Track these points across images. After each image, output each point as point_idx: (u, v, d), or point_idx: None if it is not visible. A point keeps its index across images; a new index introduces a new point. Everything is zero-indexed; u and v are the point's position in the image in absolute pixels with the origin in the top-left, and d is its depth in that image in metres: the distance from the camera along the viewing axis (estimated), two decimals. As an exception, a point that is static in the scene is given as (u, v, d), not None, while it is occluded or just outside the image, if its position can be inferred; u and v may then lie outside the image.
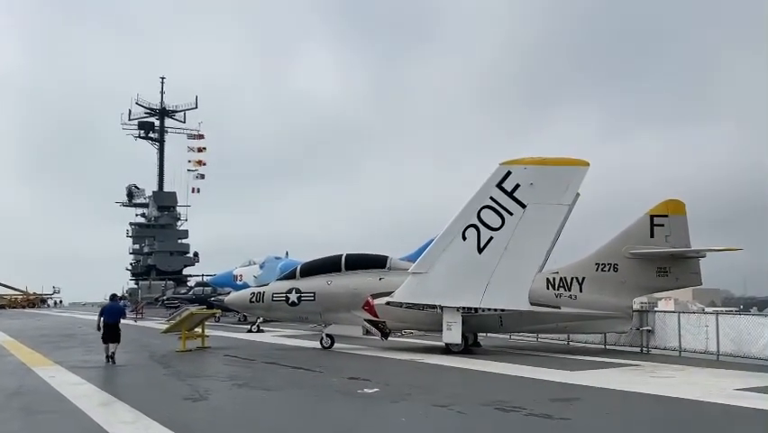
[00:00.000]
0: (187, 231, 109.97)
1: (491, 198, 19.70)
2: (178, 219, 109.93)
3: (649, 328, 21.57)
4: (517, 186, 19.54)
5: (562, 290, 21.46)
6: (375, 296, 21.83)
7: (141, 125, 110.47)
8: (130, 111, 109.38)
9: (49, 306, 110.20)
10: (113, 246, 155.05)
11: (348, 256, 23.62)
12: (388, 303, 21.21)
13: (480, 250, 19.72)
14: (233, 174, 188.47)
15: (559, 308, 21.13)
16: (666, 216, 21.75)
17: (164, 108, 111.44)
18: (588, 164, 19.68)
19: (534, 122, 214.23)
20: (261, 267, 46.60)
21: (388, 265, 23.15)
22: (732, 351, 18.78)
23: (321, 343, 22.92)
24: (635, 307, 23.02)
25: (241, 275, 48.27)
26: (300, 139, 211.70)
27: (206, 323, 25.89)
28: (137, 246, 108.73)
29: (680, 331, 20.35)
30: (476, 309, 20.30)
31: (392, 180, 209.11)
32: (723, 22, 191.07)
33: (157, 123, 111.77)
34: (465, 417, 10.52)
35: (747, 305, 64.26)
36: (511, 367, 16.86)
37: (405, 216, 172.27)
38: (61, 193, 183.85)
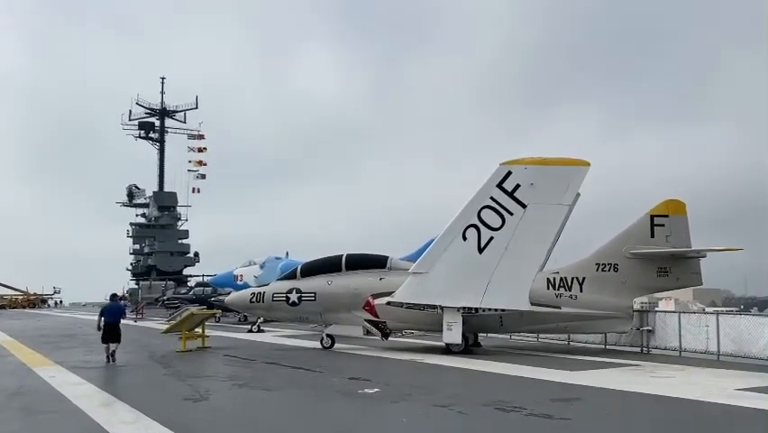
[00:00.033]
0: (187, 231, 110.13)
1: (492, 198, 19.70)
2: (179, 219, 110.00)
3: (649, 328, 21.57)
4: (518, 186, 19.54)
5: (562, 290, 21.46)
6: (375, 296, 21.83)
7: (142, 126, 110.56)
8: (130, 111, 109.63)
9: (49, 306, 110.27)
10: (113, 246, 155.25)
11: (348, 256, 23.62)
12: (388, 303, 21.20)
13: (481, 250, 19.71)
14: (233, 174, 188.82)
15: (559, 308, 21.13)
16: (667, 216, 21.75)
17: (164, 108, 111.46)
18: (588, 164, 19.68)
19: (534, 122, 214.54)
20: (262, 267, 46.62)
21: (388, 265, 23.15)
22: (732, 351, 18.77)
23: (321, 343, 22.92)
24: (636, 307, 23.00)
25: (241, 275, 48.28)
26: (300, 139, 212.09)
27: (207, 323, 25.91)
28: (137, 246, 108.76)
29: (680, 331, 20.34)
30: (476, 309, 20.30)
31: (392, 180, 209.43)
32: (723, 22, 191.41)
33: (157, 123, 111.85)
34: (466, 417, 10.52)
35: (748, 305, 64.32)
36: (511, 367, 16.86)
37: (405, 216, 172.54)
38: (61, 193, 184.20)
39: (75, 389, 13.68)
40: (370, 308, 21.78)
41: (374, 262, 23.37)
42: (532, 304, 19.92)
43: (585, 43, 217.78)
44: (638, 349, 21.67)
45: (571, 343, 23.91)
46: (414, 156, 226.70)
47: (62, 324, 46.05)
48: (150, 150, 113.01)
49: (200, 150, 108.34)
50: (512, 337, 25.82)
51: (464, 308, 20.29)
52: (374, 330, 22.41)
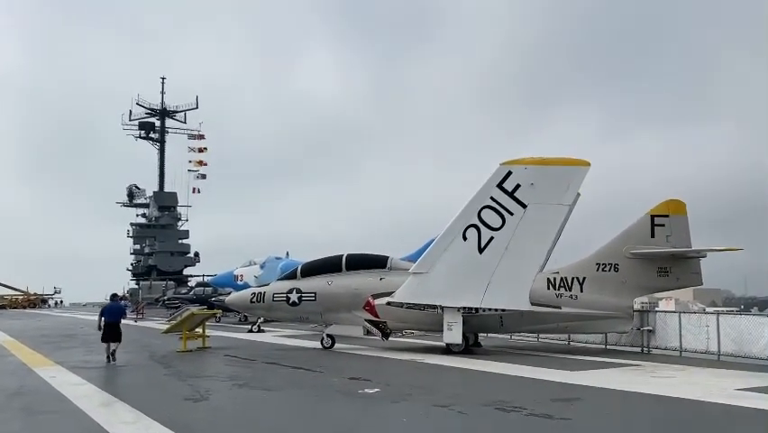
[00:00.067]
0: (187, 231, 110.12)
1: (492, 198, 19.70)
2: (179, 219, 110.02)
3: (650, 328, 21.57)
4: (518, 186, 19.54)
5: (562, 290, 21.46)
6: (376, 296, 21.83)
7: (142, 126, 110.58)
8: (130, 111, 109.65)
9: (49, 306, 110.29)
10: (113, 246, 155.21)
11: (349, 256, 23.62)
12: (388, 303, 21.20)
13: (481, 250, 19.71)
14: (233, 174, 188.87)
15: (560, 308, 21.12)
16: (667, 216, 21.75)
17: (165, 109, 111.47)
18: (588, 164, 19.67)
19: (534, 122, 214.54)
20: (262, 267, 46.65)
21: (388, 265, 23.15)
22: (733, 351, 18.77)
23: (322, 343, 22.92)
24: (636, 307, 22.99)
25: (241, 275, 48.30)
26: (300, 139, 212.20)
27: (207, 323, 25.90)
28: (138, 246, 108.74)
29: (680, 331, 20.35)
30: (477, 309, 20.30)
31: (392, 180, 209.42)
32: (723, 22, 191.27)
33: (157, 123, 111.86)
34: (466, 417, 10.52)
35: (748, 305, 64.26)
36: (512, 367, 16.86)
37: (405, 216, 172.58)
38: (61, 193, 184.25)
39: (75, 389, 13.68)
40: (370, 308, 21.78)
41: (374, 263, 23.37)
42: (532, 304, 19.91)
43: (585, 43, 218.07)
44: (639, 349, 21.67)
45: (572, 343, 23.91)
46: (414, 156, 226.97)
47: (62, 324, 46.05)
48: (151, 150, 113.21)
49: (200, 150, 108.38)
50: (512, 337, 25.82)
51: (464, 308, 20.29)
52: (374, 330, 22.41)
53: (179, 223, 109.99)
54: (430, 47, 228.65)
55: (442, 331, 20.60)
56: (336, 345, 22.83)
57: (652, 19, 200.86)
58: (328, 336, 22.97)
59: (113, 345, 18.96)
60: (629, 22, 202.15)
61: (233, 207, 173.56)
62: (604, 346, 22.64)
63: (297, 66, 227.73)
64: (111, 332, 19.05)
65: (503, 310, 20.49)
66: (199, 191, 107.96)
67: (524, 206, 19.54)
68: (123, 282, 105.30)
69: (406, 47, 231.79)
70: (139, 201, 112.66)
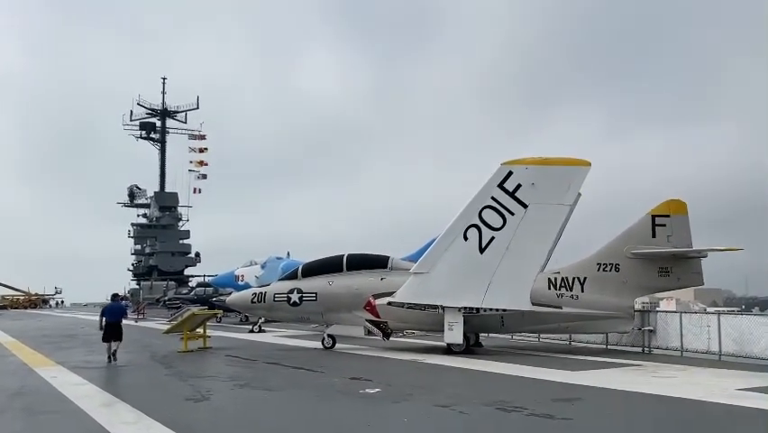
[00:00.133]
0: (188, 231, 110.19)
1: (493, 197, 19.70)
2: (180, 219, 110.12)
3: (651, 328, 21.56)
4: (519, 186, 19.54)
5: (563, 290, 21.46)
6: (377, 296, 21.83)
7: (143, 126, 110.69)
8: (131, 111, 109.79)
9: (50, 306, 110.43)
10: (114, 247, 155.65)
11: (349, 256, 23.62)
12: (389, 303, 21.20)
13: (482, 250, 19.71)
14: (233, 174, 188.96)
15: (560, 308, 21.12)
16: (668, 216, 21.74)
17: (165, 109, 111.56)
18: (589, 164, 19.68)
19: (534, 122, 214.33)
20: (263, 267, 46.67)
21: (389, 265, 23.15)
22: (734, 351, 18.76)
23: (322, 343, 22.92)
24: (637, 307, 22.98)
25: (242, 275, 48.35)
26: (300, 139, 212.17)
27: (208, 323, 25.90)
28: (138, 247, 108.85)
29: (681, 331, 20.33)
30: (477, 309, 20.31)
31: (392, 180, 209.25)
32: (723, 22, 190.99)
33: (158, 123, 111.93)
34: (467, 417, 10.52)
35: (749, 305, 64.17)
36: (513, 367, 16.85)
37: (405, 216, 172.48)
38: (62, 193, 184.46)
39: (76, 389, 13.69)
40: (371, 308, 21.78)
41: (375, 263, 23.37)
42: (533, 304, 19.91)
43: (585, 43, 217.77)
44: (640, 349, 21.66)
45: (573, 343, 23.90)
46: (414, 156, 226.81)
47: (63, 324, 46.10)
48: (152, 150, 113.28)
49: (201, 150, 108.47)
50: (513, 337, 25.82)
51: (465, 308, 20.29)
52: (375, 330, 22.40)
53: (180, 223, 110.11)
54: (430, 47, 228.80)
55: (443, 331, 20.60)
56: (337, 346, 22.83)
57: (652, 19, 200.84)
58: (329, 336, 22.97)
59: (114, 346, 19.05)
60: (629, 22, 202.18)
61: (234, 208, 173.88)
62: (605, 346, 22.63)
63: (297, 66, 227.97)
64: (112, 331, 19.14)
65: (504, 310, 20.50)
66: (200, 191, 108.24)
67: (525, 206, 19.54)
68: (123, 283, 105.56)
69: (406, 47, 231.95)
70: (140, 201, 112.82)
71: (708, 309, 35.20)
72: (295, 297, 23.23)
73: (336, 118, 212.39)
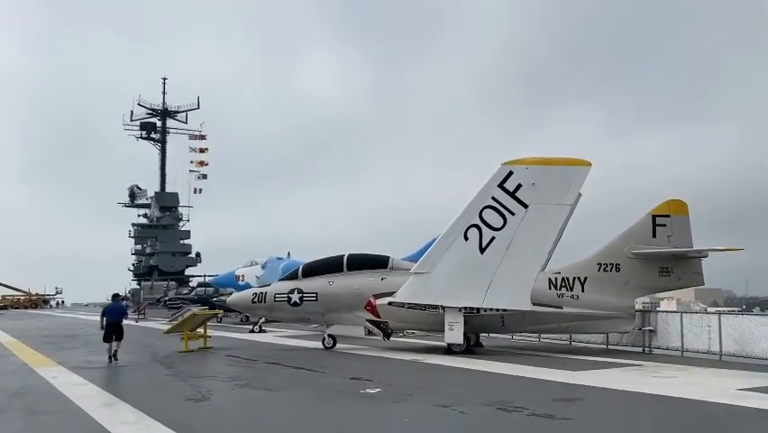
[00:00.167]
0: (189, 231, 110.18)
1: (493, 197, 19.71)
2: (180, 220, 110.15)
3: (651, 328, 21.56)
4: (519, 186, 19.54)
5: (564, 290, 21.46)
6: (377, 296, 21.83)
7: (143, 126, 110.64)
8: (132, 112, 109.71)
9: (51, 306, 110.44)
10: (114, 247, 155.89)
11: (350, 256, 23.62)
12: (390, 303, 21.21)
13: (482, 250, 19.71)
14: (233, 174, 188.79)
15: (561, 308, 21.12)
16: (668, 216, 21.75)
17: (166, 109, 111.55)
18: (590, 164, 19.67)
19: (534, 122, 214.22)
20: (263, 267, 46.65)
21: (390, 265, 23.15)
22: (735, 351, 18.76)
23: (323, 343, 22.93)
24: (638, 307, 22.99)
25: (243, 275, 48.35)
26: (300, 139, 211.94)
27: (208, 323, 25.90)
28: (139, 247, 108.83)
29: (682, 331, 20.34)
30: (478, 310, 20.31)
31: (392, 180, 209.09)
32: (723, 22, 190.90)
33: (159, 123, 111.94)
34: (467, 417, 10.52)
35: (750, 305, 64.17)
36: (513, 367, 16.86)
37: (405, 216, 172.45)
38: (62, 193, 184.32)
39: (77, 389, 13.69)
40: (371, 308, 21.78)
41: (376, 263, 23.37)
42: (534, 304, 19.91)
43: (585, 43, 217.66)
44: (640, 349, 21.66)
45: (573, 343, 23.90)
46: (414, 156, 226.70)
47: (64, 324, 46.11)
48: (152, 150, 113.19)
49: (201, 150, 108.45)
50: (514, 337, 25.82)
51: (466, 308, 20.30)
52: (376, 330, 22.40)
53: (181, 223, 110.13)
54: (430, 47, 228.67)
55: (443, 331, 20.60)
56: (338, 346, 22.83)
57: (652, 19, 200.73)
58: (329, 336, 22.97)
59: (114, 346, 19.09)
60: (629, 22, 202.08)
61: (234, 208, 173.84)
62: (605, 346, 22.63)
63: (297, 66, 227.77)
64: (113, 331, 19.20)
65: (504, 310, 20.50)
66: (200, 191, 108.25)
67: (525, 206, 19.54)
68: (124, 283, 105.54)
69: (406, 47, 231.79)
70: (140, 202, 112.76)
71: (709, 309, 35.22)
72: (295, 297, 23.23)
73: (336, 118, 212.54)
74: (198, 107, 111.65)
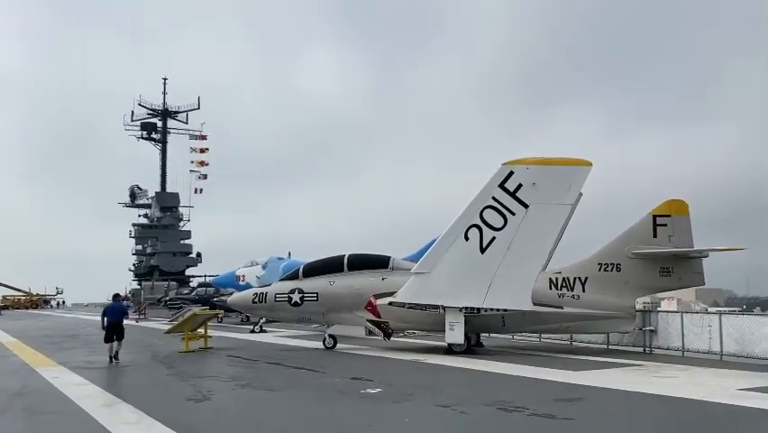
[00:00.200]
0: (189, 231, 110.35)
1: (494, 197, 19.71)
2: (181, 220, 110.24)
3: (652, 328, 21.55)
4: (520, 186, 19.54)
5: (564, 290, 21.45)
6: (378, 296, 21.82)
7: (144, 126, 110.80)
8: (132, 112, 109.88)
9: (52, 307, 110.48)
10: (115, 247, 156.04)
11: (351, 256, 23.62)
12: (390, 303, 21.21)
13: (483, 250, 19.71)
14: (233, 174, 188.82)
15: (562, 308, 21.11)
16: (669, 215, 21.73)
17: (166, 109, 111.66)
18: (590, 164, 19.67)
19: (534, 122, 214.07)
20: (264, 267, 46.64)
21: (390, 265, 23.14)
22: (735, 351, 18.75)
23: (324, 343, 22.93)
24: (638, 307, 22.99)
25: (243, 276, 48.35)
26: (300, 139, 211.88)
27: (209, 324, 25.90)
28: (140, 247, 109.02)
29: (683, 331, 20.33)
30: (479, 310, 20.32)
31: (392, 180, 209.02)
32: (723, 22, 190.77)
33: (159, 123, 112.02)
34: (468, 417, 10.52)
35: (750, 305, 64.07)
36: (514, 367, 16.85)
37: (405, 216, 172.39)
38: (62, 193, 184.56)
39: (78, 389, 13.70)
40: (372, 308, 21.78)
41: (376, 263, 23.36)
42: (534, 304, 19.91)
43: (585, 43, 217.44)
44: (641, 349, 21.66)
45: (574, 343, 23.89)
46: (414, 156, 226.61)
47: (65, 324, 46.13)
48: (153, 150, 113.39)
49: (202, 150, 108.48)
50: (514, 337, 25.81)
51: (466, 308, 20.30)
52: (376, 330, 22.41)
53: (181, 223, 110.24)
54: (430, 47, 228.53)
55: (444, 331, 20.59)
56: (338, 346, 22.83)
57: (652, 19, 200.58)
58: (330, 336, 22.97)
59: (116, 346, 19.11)
60: (629, 22, 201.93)
61: (234, 208, 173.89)
62: (606, 346, 22.62)
63: (297, 66, 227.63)
64: (114, 331, 19.22)
65: (505, 310, 20.49)
66: (201, 191, 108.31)
67: (526, 206, 19.53)
68: (125, 283, 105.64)
69: (406, 47, 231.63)
70: (141, 202, 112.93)
71: (710, 309, 35.19)
72: (296, 297, 23.23)
73: (336, 118, 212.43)
74: (199, 107, 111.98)
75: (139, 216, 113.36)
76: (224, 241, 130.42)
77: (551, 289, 21.39)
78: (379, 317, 21.85)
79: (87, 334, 32.57)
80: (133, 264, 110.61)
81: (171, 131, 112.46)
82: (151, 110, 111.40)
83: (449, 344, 20.65)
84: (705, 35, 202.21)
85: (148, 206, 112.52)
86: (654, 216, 21.75)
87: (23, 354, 22.51)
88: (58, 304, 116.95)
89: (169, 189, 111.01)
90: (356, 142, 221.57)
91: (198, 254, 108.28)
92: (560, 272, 21.81)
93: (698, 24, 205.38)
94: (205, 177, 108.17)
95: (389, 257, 23.63)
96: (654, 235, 21.59)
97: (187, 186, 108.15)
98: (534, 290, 19.77)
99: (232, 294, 32.89)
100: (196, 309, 30.15)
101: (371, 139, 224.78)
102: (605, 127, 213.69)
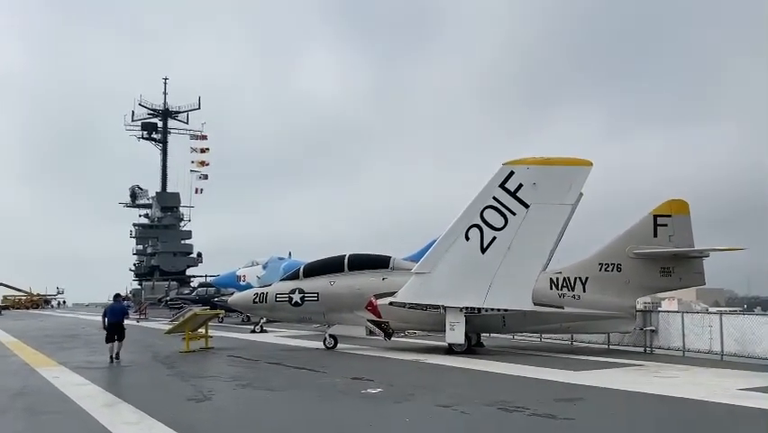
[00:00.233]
0: (190, 231, 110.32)
1: (494, 197, 19.71)
2: (182, 220, 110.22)
3: (653, 328, 21.55)
4: (520, 186, 19.54)
5: (565, 290, 21.43)
6: (378, 296, 21.82)
7: (144, 126, 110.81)
8: (133, 112, 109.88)
9: (52, 307, 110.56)
10: (116, 247, 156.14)
11: (351, 256, 23.61)
12: (391, 303, 21.20)
13: (483, 250, 19.71)
14: (233, 174, 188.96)
15: (562, 308, 21.10)
16: (669, 215, 21.71)
17: (167, 109, 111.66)
18: (591, 164, 19.67)
19: (534, 122, 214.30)
20: (264, 267, 46.63)
21: (391, 265, 23.13)
22: (736, 351, 18.75)
23: (324, 343, 22.93)
24: (639, 307, 22.98)
25: (244, 276, 48.36)
26: (300, 139, 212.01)
27: (210, 324, 25.91)
28: (140, 247, 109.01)
29: (683, 331, 20.33)
30: (479, 310, 20.31)
31: (392, 180, 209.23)
32: (723, 22, 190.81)
33: (160, 123, 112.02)
34: (469, 417, 10.52)
35: (751, 305, 64.11)
36: (514, 367, 16.85)
37: (405, 216, 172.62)
38: (62, 193, 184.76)
39: (78, 389, 13.70)
40: (372, 308, 21.78)
41: (377, 263, 23.35)
42: (535, 304, 19.90)
43: (585, 43, 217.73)
44: (641, 349, 21.66)
45: (575, 343, 23.88)
46: (414, 156, 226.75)
47: (65, 324, 46.15)
48: (153, 150, 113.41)
49: (203, 150, 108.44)
50: (515, 337, 25.81)
51: (467, 308, 20.29)
52: (377, 330, 22.40)
53: (182, 223, 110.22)
54: (430, 47, 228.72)
55: (444, 331, 20.58)
56: (339, 346, 22.83)
57: (652, 19, 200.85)
58: (331, 336, 22.97)
59: (116, 346, 19.14)
60: (629, 22, 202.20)
61: (234, 208, 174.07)
62: (607, 346, 22.62)
63: (297, 66, 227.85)
64: (114, 331, 19.25)
65: (506, 310, 20.49)
66: (202, 191, 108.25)
67: (526, 206, 19.53)
68: (125, 283, 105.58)
69: (406, 47, 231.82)
70: (141, 202, 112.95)
71: (710, 309, 35.22)
72: (296, 297, 23.22)
73: (336, 118, 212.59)
74: (199, 108, 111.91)
75: (139, 216, 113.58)
76: (225, 241, 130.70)
77: (551, 289, 21.37)
78: (379, 317, 21.85)
79: (88, 334, 32.57)
80: (134, 264, 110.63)
81: (172, 131, 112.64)
82: (152, 110, 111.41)
83: (449, 344, 20.64)
84: (705, 35, 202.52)
85: (148, 206, 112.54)
86: (655, 216, 21.74)
87: (24, 354, 22.51)
88: (58, 304, 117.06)
89: (169, 189, 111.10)
90: (356, 142, 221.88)
91: (199, 254, 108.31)
92: (560, 272, 21.80)
93: (698, 24, 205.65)
94: (205, 177, 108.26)
95: (390, 257, 23.63)
96: (655, 235, 21.58)
97: (188, 186, 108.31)
98: (534, 289, 19.77)
99: (232, 294, 32.91)
100: (197, 309, 30.18)
101: (371, 139, 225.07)
102: (605, 127, 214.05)
